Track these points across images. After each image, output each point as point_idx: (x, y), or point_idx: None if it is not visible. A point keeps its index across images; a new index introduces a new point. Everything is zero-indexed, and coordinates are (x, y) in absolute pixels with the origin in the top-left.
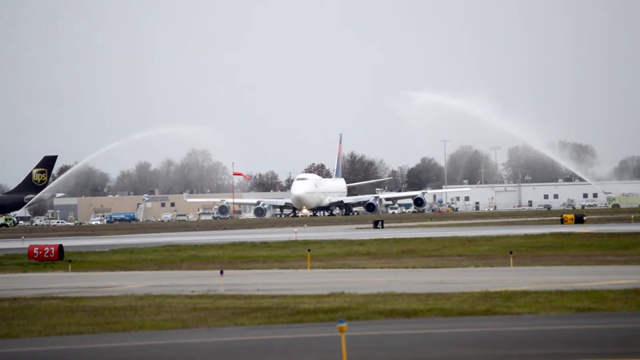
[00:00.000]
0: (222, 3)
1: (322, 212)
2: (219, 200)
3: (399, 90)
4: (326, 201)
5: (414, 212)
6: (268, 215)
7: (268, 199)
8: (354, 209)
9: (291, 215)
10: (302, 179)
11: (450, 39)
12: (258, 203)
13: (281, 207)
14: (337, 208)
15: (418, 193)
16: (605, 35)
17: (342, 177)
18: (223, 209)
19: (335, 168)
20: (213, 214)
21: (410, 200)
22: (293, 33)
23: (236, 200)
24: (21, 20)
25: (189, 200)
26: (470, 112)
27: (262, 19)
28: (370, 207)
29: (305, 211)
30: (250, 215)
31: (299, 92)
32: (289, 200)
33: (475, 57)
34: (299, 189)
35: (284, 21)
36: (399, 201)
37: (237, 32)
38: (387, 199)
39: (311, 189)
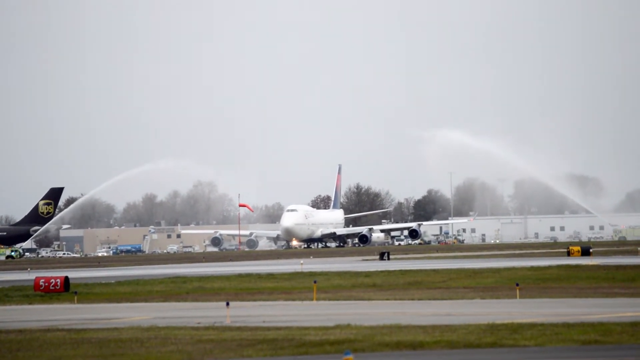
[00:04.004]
0: (225, 36)
1: (316, 244)
2: (212, 232)
3: (406, 124)
4: (318, 233)
5: (419, 243)
6: (261, 247)
7: (261, 231)
8: (353, 240)
9: (284, 247)
10: (292, 210)
11: (457, 73)
12: (250, 234)
13: (274, 239)
14: (331, 240)
15: (413, 225)
16: (612, 67)
17: (343, 208)
18: (216, 241)
19: (334, 199)
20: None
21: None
22: (303, 63)
23: (228, 232)
24: (41, 49)
25: (183, 232)
26: (476, 145)
27: (268, 51)
28: (363, 239)
29: (295, 243)
30: (244, 247)
31: (307, 124)
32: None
33: (482, 91)
34: (287, 220)
35: (292, 52)
36: (404, 232)
37: (242, 65)
38: (382, 231)
39: (301, 220)
